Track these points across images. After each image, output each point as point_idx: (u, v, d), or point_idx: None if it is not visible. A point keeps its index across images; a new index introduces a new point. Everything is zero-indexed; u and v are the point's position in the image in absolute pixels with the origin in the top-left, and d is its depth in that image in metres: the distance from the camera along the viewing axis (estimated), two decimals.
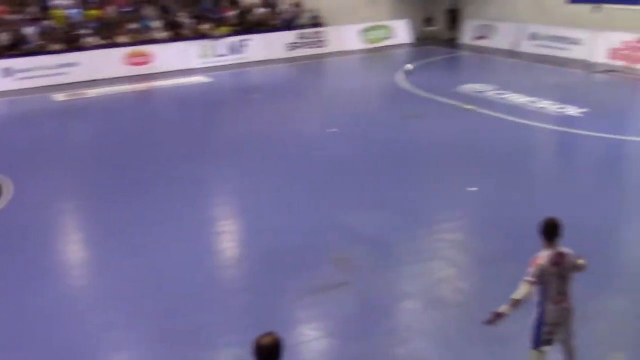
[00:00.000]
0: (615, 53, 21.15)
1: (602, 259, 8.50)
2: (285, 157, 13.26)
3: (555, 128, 14.93)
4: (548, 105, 16.34)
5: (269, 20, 25.64)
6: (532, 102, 16.71)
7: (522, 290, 5.42)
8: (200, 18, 24.57)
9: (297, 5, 26.37)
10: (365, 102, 18.21)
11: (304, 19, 26.24)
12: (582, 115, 15.47)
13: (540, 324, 5.59)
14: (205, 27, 24.14)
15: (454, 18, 28.04)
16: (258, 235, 9.58)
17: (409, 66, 19.73)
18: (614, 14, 20.57)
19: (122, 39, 22.80)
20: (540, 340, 5.62)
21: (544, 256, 5.43)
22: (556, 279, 5.46)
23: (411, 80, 19.73)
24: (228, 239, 9.77)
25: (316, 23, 26.30)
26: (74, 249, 9.83)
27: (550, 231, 5.46)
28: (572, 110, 15.78)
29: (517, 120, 15.17)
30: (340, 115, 16.57)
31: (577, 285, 7.52)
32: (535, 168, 12.83)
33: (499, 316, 5.48)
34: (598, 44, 20.91)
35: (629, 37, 20.90)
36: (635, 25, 20.64)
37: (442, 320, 7.34)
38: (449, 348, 6.80)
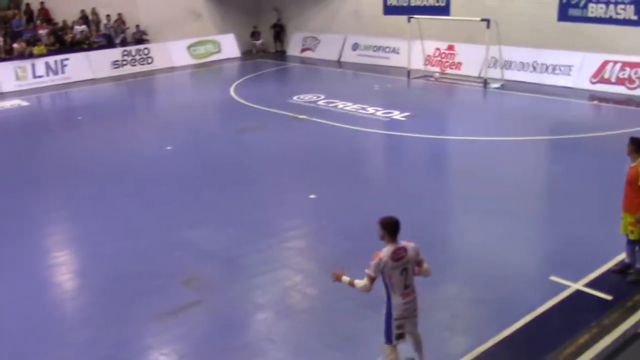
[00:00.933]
0: (429, 60, 22.84)
1: (437, 251, 9.12)
2: (121, 179, 12.71)
3: (384, 132, 15.77)
4: (375, 111, 17.22)
5: (90, 38, 24.52)
6: (361, 108, 17.52)
7: (361, 283, 5.70)
8: (11, 37, 22.87)
9: (119, 21, 25.46)
10: (199, 118, 18.00)
11: (127, 35, 25.43)
12: (405, 118, 16.49)
13: (390, 318, 5.83)
14: (18, 46, 22.51)
15: (279, 31, 28.65)
16: (98, 263, 9.08)
17: None
18: (425, 23, 22.19)
19: None
20: (392, 335, 5.85)
21: (385, 250, 5.67)
22: (399, 273, 5.70)
23: (243, 94, 19.87)
24: (65, 270, 9.13)
25: (140, 39, 25.60)
26: None
27: (390, 228, 5.70)
28: (397, 115, 16.78)
29: (349, 126, 15.82)
30: (174, 132, 16.23)
31: (417, 278, 7.99)
32: (369, 171, 13.45)
33: (338, 277, 5.86)
34: (414, 51, 22.41)
35: (440, 44, 22.69)
36: (444, 33, 22.44)
37: (295, 327, 7.44)
38: (305, 353, 6.91)
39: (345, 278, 5.81)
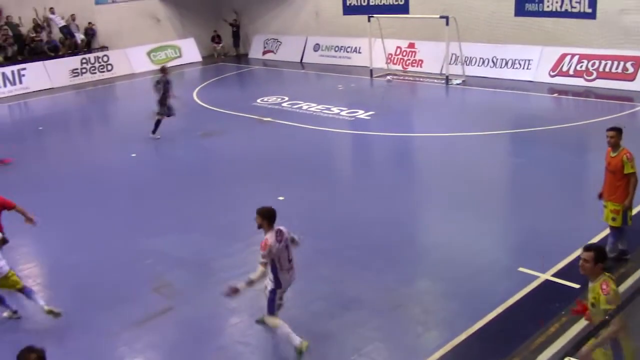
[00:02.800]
0: (391, 58, 22.99)
1: (406, 248, 9.20)
2: (85, 188, 12.49)
3: (350, 132, 15.81)
4: (339, 111, 17.26)
5: (45, 46, 24.02)
6: (325, 109, 17.55)
7: (258, 272, 6.41)
8: None
9: (73, 25, 24.94)
10: (163, 124, 17.76)
11: (78, 39, 24.95)
12: (370, 117, 16.56)
13: (275, 294, 6.66)
14: None
15: (238, 34, 28.46)
16: (65, 274, 8.93)
17: None
18: (385, 22, 22.32)
19: None
20: (275, 306, 6.72)
21: (269, 237, 6.44)
22: (283, 251, 6.55)
23: (206, 98, 19.73)
24: (31, 282, 8.86)
25: (100, 47, 25.21)
26: None
27: (269, 216, 6.53)
28: (362, 114, 16.85)
29: (314, 127, 15.82)
30: (138, 139, 15.99)
31: (388, 276, 8.06)
32: (337, 171, 13.46)
33: (235, 291, 6.45)
34: (375, 50, 22.52)
35: (401, 43, 22.86)
36: (405, 32, 22.62)
37: (269, 330, 7.38)
38: (281, 356, 6.89)
39: (241, 285, 6.38)
